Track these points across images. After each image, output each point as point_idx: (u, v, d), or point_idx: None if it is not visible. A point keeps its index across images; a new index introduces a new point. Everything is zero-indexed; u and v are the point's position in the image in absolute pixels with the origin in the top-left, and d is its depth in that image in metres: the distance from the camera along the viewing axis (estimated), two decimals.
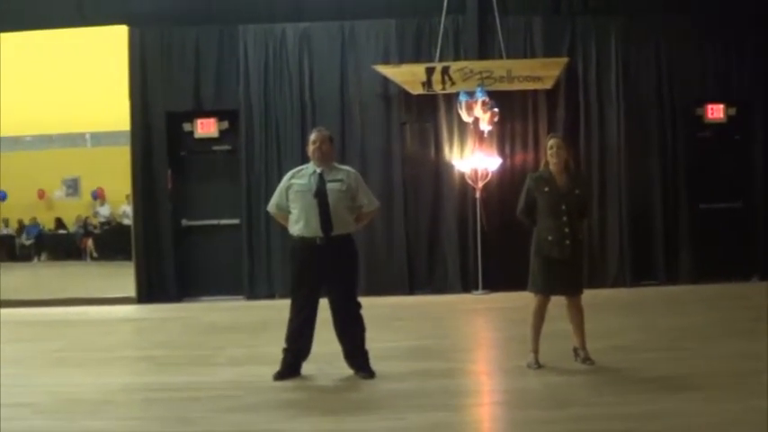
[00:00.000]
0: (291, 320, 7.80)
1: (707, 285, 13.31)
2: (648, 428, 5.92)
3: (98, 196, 25.15)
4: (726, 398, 6.64)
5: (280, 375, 7.73)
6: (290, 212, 7.85)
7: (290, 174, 7.99)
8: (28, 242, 25.20)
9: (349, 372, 7.81)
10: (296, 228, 7.77)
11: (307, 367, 7.85)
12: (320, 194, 7.68)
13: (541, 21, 13.87)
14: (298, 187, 7.78)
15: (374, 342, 8.11)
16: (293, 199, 7.79)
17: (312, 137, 7.92)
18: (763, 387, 6.69)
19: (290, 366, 7.78)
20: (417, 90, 13.57)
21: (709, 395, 6.74)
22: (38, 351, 9.68)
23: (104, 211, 24.91)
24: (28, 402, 7.11)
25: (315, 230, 7.65)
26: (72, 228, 25.62)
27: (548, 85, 13.58)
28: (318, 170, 7.80)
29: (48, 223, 25.85)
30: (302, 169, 7.94)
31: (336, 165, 8.06)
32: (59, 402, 7.18)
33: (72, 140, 25.38)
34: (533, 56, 13.79)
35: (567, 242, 7.73)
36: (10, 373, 8.21)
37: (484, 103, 13.11)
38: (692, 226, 13.78)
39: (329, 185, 7.72)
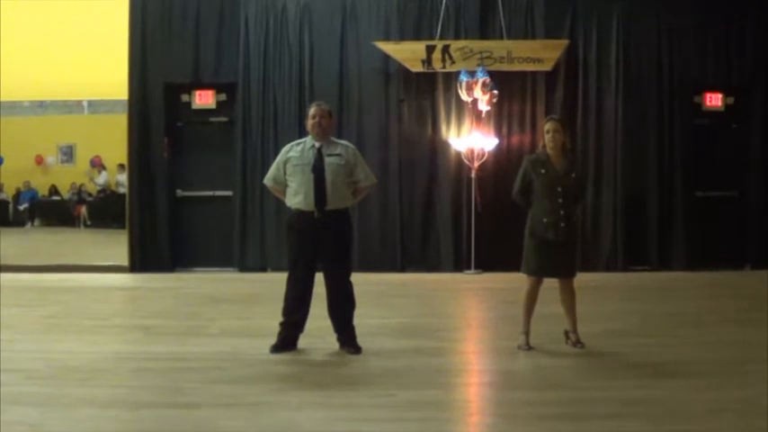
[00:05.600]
0: (288, 293, 7.81)
1: (699, 273, 13.33)
2: (635, 413, 5.93)
3: (96, 164, 25.09)
4: (716, 386, 6.65)
5: (276, 348, 7.73)
6: (286, 186, 7.86)
7: (287, 147, 7.99)
8: (22, 207, 25.17)
9: None
10: (294, 201, 7.77)
11: (300, 341, 7.85)
12: (318, 169, 7.68)
13: (543, 1, 13.81)
14: (296, 161, 7.77)
15: (365, 318, 8.16)
16: (291, 173, 7.78)
17: (311, 111, 7.89)
18: (756, 376, 6.72)
19: (287, 340, 7.79)
20: (417, 68, 13.53)
21: (700, 383, 6.73)
22: (30, 317, 9.66)
23: (102, 178, 24.85)
24: (20, 368, 7.10)
25: (312, 204, 7.65)
26: (66, 195, 25.60)
27: (548, 66, 13.55)
28: (317, 144, 7.78)
29: (42, 189, 25.83)
30: (300, 143, 7.93)
31: (334, 139, 8.06)
32: (51, 369, 7.19)
33: (69, 107, 25.34)
34: (534, 37, 13.75)
35: (563, 224, 7.73)
36: (2, 338, 8.22)
37: (484, 84, 13.07)
38: (686, 213, 13.80)
39: (327, 160, 7.71)
